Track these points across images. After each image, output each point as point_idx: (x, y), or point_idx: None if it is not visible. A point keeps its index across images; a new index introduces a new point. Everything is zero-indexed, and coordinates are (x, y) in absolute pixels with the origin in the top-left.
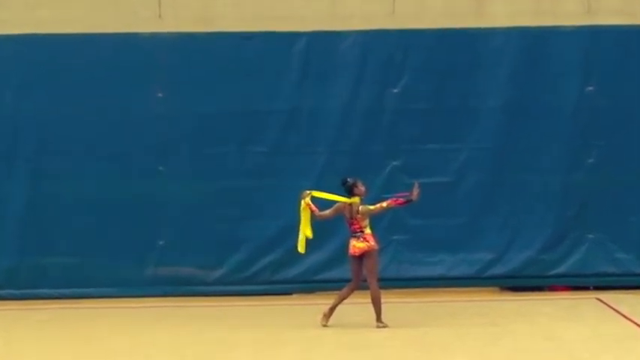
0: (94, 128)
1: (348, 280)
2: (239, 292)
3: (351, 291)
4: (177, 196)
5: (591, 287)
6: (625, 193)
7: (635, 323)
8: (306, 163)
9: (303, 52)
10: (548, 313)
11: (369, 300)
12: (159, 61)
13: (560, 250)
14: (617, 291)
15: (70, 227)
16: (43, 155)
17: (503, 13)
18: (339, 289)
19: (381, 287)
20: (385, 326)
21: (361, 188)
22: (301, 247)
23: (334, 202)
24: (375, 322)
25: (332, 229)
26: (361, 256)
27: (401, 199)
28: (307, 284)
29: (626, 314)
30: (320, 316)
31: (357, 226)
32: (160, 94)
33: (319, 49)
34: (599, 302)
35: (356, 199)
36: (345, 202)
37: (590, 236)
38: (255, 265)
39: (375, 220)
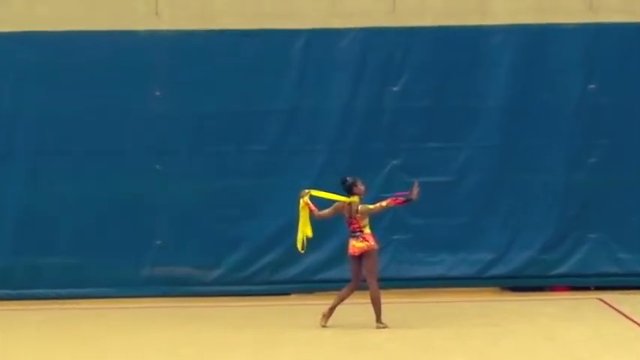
0: (90, 127)
1: (347, 281)
2: (237, 292)
3: (351, 291)
4: (175, 195)
5: (592, 287)
6: (627, 193)
7: (637, 324)
8: (305, 161)
9: (303, 50)
10: (550, 313)
11: (369, 300)
12: (156, 60)
13: (562, 250)
14: (619, 291)
15: (66, 227)
16: (38, 154)
17: (505, 11)
18: (338, 289)
19: (381, 287)
20: (385, 327)
21: (361, 187)
22: (300, 246)
23: (333, 201)
24: (374, 323)
25: (331, 228)
26: (361, 256)
27: (400, 199)
28: (306, 284)
29: (628, 315)
30: (319, 317)
31: (356, 226)
32: (158, 93)
33: (319, 47)
34: (600, 302)
35: (355, 199)
36: (344, 202)
37: (592, 236)
38: (253, 265)
39: (375, 219)
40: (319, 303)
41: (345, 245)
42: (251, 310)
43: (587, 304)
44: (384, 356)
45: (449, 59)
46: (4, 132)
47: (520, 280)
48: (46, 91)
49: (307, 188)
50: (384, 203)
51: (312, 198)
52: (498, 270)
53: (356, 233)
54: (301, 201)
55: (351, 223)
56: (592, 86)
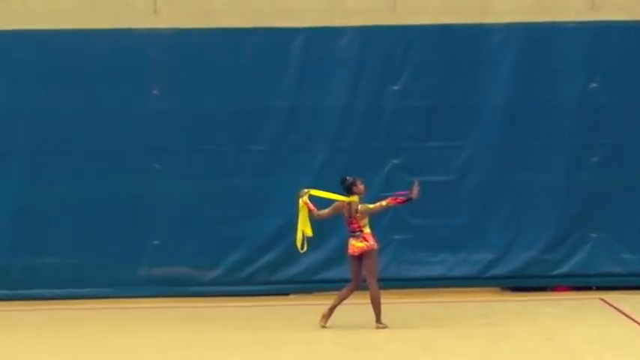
0: (87, 126)
1: (347, 281)
2: (236, 292)
3: (351, 291)
4: (173, 194)
5: (594, 287)
6: (629, 192)
7: (639, 324)
8: (305, 160)
9: (303, 48)
10: (551, 313)
11: (369, 300)
12: (154, 58)
13: (564, 250)
14: (621, 291)
15: (63, 226)
16: (34, 153)
17: (506, 9)
18: (337, 289)
19: (381, 287)
20: (385, 327)
21: (360, 187)
22: (300, 246)
23: (333, 200)
24: (374, 323)
25: (331, 228)
26: (360, 256)
27: (401, 198)
28: (305, 284)
29: (630, 315)
30: (319, 317)
31: (356, 226)
32: (156, 92)
33: (319, 45)
34: (602, 303)
35: (355, 198)
36: (343, 201)
37: (594, 236)
38: (252, 265)
39: (375, 219)
40: (319, 303)
41: (345, 245)
42: (250, 310)
43: (588, 304)
44: (384, 357)
45: (450, 58)
46: (0, 131)
47: (521, 281)
48: (43, 89)
49: (306, 187)
50: (384, 203)
51: (312, 197)
52: (499, 270)
53: (356, 233)
54: (300, 200)
55: (350, 223)
56: (593, 85)
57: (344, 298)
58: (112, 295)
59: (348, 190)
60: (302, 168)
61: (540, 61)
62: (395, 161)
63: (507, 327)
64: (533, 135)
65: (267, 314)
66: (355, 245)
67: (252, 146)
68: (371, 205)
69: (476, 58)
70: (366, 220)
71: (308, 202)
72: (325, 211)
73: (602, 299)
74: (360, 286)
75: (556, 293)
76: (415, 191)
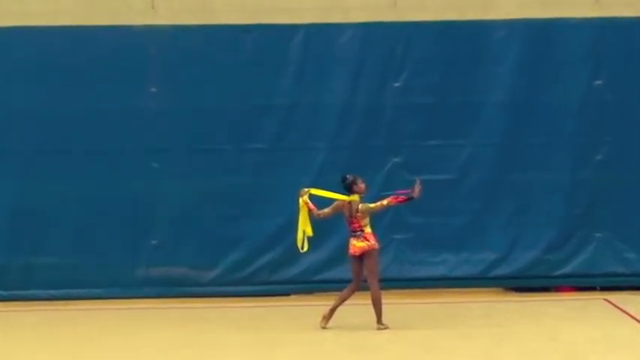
0: (84, 124)
1: (347, 281)
2: (235, 293)
3: (352, 292)
4: (172, 193)
5: (598, 288)
6: (634, 191)
7: None
8: (305, 159)
9: (302, 45)
10: (554, 314)
11: (370, 301)
12: (152, 55)
13: (567, 250)
14: (625, 292)
15: (60, 226)
16: (31, 152)
17: (508, 5)
18: (338, 289)
19: (382, 288)
20: (386, 328)
21: (361, 186)
22: (300, 246)
23: (333, 200)
24: (375, 324)
25: (331, 228)
26: (361, 256)
27: (402, 197)
28: (306, 285)
29: (635, 315)
30: (319, 318)
31: (356, 225)
32: (154, 89)
33: (319, 42)
34: (606, 303)
35: (355, 197)
36: (344, 200)
37: (598, 235)
38: (252, 265)
39: (376, 218)
40: (319, 303)
41: (346, 245)
42: (250, 311)
43: (592, 304)
44: (385, 357)
45: (451, 54)
46: None
47: (524, 281)
48: (40, 86)
49: (307, 186)
50: (384, 202)
51: (312, 197)
52: (502, 270)
53: (356, 232)
54: (300, 200)
55: (351, 223)
56: (598, 82)
57: (345, 299)
58: (109, 296)
59: (348, 189)
60: (302, 167)
61: (543, 58)
62: (395, 159)
63: (510, 327)
64: (536, 133)
65: (267, 315)
66: (356, 245)
67: (251, 145)
68: (372, 205)
69: (477, 55)
70: (367, 220)
71: (308, 201)
72: (326, 211)
73: (606, 300)
74: (361, 286)
75: (559, 294)
76: (417, 190)
